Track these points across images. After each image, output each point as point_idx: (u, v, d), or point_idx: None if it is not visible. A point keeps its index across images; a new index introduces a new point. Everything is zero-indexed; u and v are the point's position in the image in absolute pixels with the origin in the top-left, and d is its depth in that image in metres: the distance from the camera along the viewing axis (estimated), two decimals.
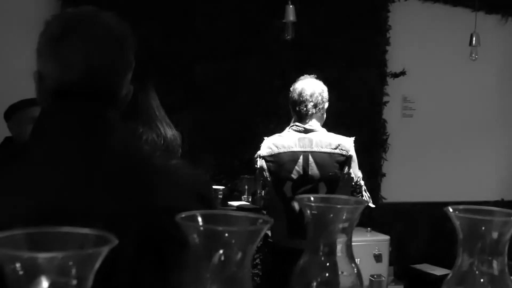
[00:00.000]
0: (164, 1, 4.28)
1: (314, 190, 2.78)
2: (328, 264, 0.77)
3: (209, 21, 4.39)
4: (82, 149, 1.07)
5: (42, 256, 0.45)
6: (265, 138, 2.95)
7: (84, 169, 1.06)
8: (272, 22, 4.21)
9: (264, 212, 4.11)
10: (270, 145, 2.89)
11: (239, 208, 4.07)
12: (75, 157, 1.06)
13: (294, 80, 3.09)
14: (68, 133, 1.09)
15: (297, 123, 2.91)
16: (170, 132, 2.18)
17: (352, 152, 2.86)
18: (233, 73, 4.47)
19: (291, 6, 3.65)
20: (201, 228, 0.60)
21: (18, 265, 0.46)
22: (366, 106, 5.09)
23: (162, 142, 2.10)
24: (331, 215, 0.77)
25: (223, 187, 4.12)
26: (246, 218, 0.63)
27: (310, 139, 2.86)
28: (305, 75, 3.04)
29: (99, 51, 1.13)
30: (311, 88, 2.93)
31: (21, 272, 0.46)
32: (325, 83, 3.04)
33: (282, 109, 3.60)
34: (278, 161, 2.85)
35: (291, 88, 3.00)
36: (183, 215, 0.61)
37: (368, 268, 4.42)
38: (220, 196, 4.08)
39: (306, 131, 2.88)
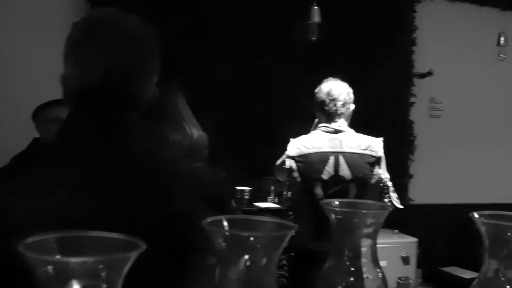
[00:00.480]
0: (185, 1, 4.31)
1: (344, 191, 2.80)
2: (353, 268, 0.77)
3: (231, 21, 4.40)
4: (100, 153, 1.08)
5: (74, 260, 0.46)
6: (292, 139, 2.94)
7: (100, 173, 1.07)
8: (295, 23, 4.20)
9: (290, 213, 4.11)
10: (299, 145, 2.87)
11: (265, 210, 4.08)
12: (92, 161, 1.08)
13: (318, 81, 3.09)
14: (86, 136, 1.10)
15: (326, 124, 2.91)
16: (196, 133, 2.20)
17: (382, 153, 2.86)
18: (256, 74, 4.48)
19: (316, 7, 3.64)
20: (226, 233, 0.61)
21: (50, 268, 0.47)
22: (392, 107, 5.06)
23: (189, 143, 2.12)
24: (356, 220, 0.77)
25: (249, 188, 4.14)
26: (271, 223, 0.64)
27: (340, 140, 2.86)
28: (329, 78, 3.03)
29: (119, 55, 1.14)
30: (338, 88, 2.94)
31: (53, 275, 0.47)
32: (350, 84, 3.03)
33: (306, 110, 3.60)
34: (308, 161, 2.83)
35: (316, 90, 3.00)
36: (209, 220, 0.62)
37: (396, 270, 4.39)
38: (247, 197, 4.10)
39: (336, 131, 2.88)
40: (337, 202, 0.81)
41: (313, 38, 3.68)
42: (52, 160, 1.11)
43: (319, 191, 2.82)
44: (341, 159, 2.81)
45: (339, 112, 2.91)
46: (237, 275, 0.61)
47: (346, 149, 2.83)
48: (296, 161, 2.85)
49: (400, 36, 5.09)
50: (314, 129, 2.98)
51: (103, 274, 0.48)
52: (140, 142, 1.14)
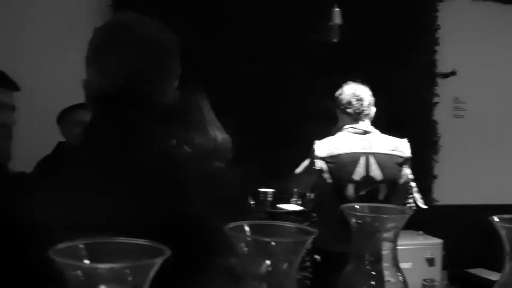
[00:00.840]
0: (206, 3, 4.34)
1: (375, 192, 2.81)
2: (374, 272, 0.78)
3: (252, 23, 4.41)
4: (120, 156, 1.10)
5: (102, 266, 0.48)
6: (317, 141, 2.92)
7: (121, 176, 1.09)
8: (316, 24, 4.21)
9: (314, 215, 4.11)
10: (329, 146, 2.86)
11: (288, 212, 4.09)
12: (113, 164, 1.10)
13: (339, 82, 3.10)
14: (107, 140, 1.13)
15: (353, 125, 2.92)
16: (220, 135, 2.22)
17: (409, 153, 2.89)
18: (278, 75, 4.48)
19: (337, 9, 3.64)
20: (248, 239, 0.63)
21: (79, 273, 0.49)
22: (415, 107, 5.03)
23: (213, 146, 2.14)
24: (377, 224, 0.78)
25: (272, 190, 4.14)
26: (292, 228, 0.65)
27: (369, 141, 2.87)
28: (349, 82, 3.04)
29: (139, 60, 1.16)
30: (362, 89, 2.97)
31: (82, 280, 0.50)
32: (372, 85, 3.06)
33: (328, 111, 3.61)
34: (338, 162, 2.83)
35: (338, 92, 3.01)
36: (231, 226, 0.63)
37: (421, 272, 4.36)
38: (270, 199, 4.10)
39: (365, 132, 2.89)
40: (357, 207, 0.82)
41: (335, 40, 3.68)
42: (75, 164, 1.14)
43: (350, 192, 2.81)
44: (372, 160, 2.82)
45: (365, 112, 2.93)
46: (259, 279, 0.62)
47: (376, 150, 2.84)
48: (327, 162, 2.83)
49: (422, 36, 5.06)
50: (339, 130, 2.98)
51: (130, 279, 0.50)
52: (159, 145, 1.16)
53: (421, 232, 4.72)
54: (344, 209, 0.80)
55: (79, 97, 3.01)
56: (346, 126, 2.94)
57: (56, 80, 3.89)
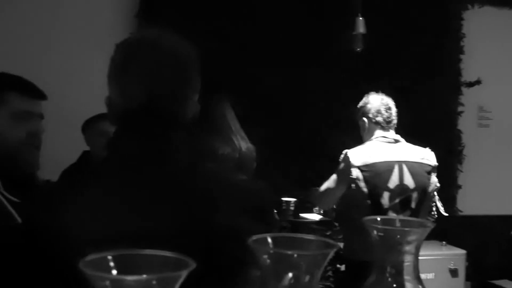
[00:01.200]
0: (230, 13, 4.37)
1: (408, 200, 2.84)
2: (395, 285, 0.79)
3: (276, 32, 4.43)
4: (145, 171, 1.13)
5: (129, 278, 0.50)
6: (347, 150, 2.93)
7: (146, 190, 1.11)
8: (340, 33, 4.21)
9: (336, 224, 4.11)
10: (363, 155, 2.87)
11: (310, 221, 4.09)
12: (138, 178, 1.12)
13: (364, 91, 3.11)
14: (131, 155, 1.15)
15: (383, 134, 2.95)
16: (245, 145, 2.24)
17: (435, 162, 2.94)
18: (302, 85, 4.49)
19: (361, 18, 3.65)
20: (271, 251, 0.64)
21: (107, 284, 0.51)
22: (439, 116, 4.99)
23: (237, 156, 2.15)
24: (398, 237, 0.79)
25: (294, 199, 4.15)
26: (315, 241, 0.67)
27: (400, 149, 2.91)
28: (371, 92, 3.08)
29: (159, 78, 1.18)
30: (387, 98, 3.02)
31: None
32: (396, 93, 3.08)
33: (352, 121, 3.60)
34: (374, 170, 2.84)
35: (363, 101, 3.05)
36: (254, 238, 0.65)
37: (444, 283, 4.32)
38: (292, 208, 4.10)
39: (395, 141, 2.94)
40: (378, 219, 0.83)
41: (358, 49, 3.68)
42: (101, 178, 1.16)
43: (385, 200, 2.83)
44: (405, 168, 2.85)
45: (394, 121, 2.98)
46: None
47: (407, 158, 2.88)
48: (362, 171, 2.84)
49: (447, 45, 5.03)
50: (368, 139, 3.00)
51: None
52: (184, 157, 1.18)
53: (444, 242, 4.68)
54: (366, 221, 0.80)
55: (104, 107, 3.06)
56: (376, 135, 2.96)
57: (81, 90, 3.95)
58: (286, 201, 4.10)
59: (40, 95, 1.71)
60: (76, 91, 3.97)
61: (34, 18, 4.04)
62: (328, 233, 4.15)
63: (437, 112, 4.97)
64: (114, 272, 0.54)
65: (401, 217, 0.83)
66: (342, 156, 2.96)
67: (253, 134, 2.44)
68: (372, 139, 2.96)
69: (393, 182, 2.83)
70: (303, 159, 4.52)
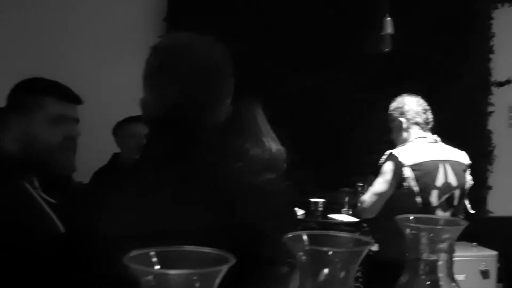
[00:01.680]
0: (257, 17, 4.38)
1: (451, 198, 2.94)
2: (428, 283, 0.79)
3: (303, 34, 4.43)
4: (176, 172, 1.16)
5: (172, 272, 0.52)
6: (391, 151, 2.99)
7: (177, 191, 1.14)
8: (368, 34, 4.20)
9: (365, 225, 4.09)
10: (411, 154, 2.93)
11: (339, 222, 4.08)
12: (169, 180, 1.15)
13: (392, 92, 3.13)
14: (163, 157, 1.19)
15: (424, 134, 3.02)
16: (275, 146, 2.27)
17: (469, 161, 3.05)
18: (330, 86, 4.49)
19: (388, 18, 3.63)
20: (307, 248, 0.66)
21: (151, 278, 0.53)
22: (469, 116, 4.94)
23: (268, 157, 2.18)
24: (431, 235, 0.79)
25: (323, 200, 4.14)
26: (350, 239, 0.68)
27: (440, 149, 3.00)
28: (403, 94, 3.12)
29: (192, 81, 1.21)
30: (421, 100, 3.09)
31: (153, 285, 0.54)
32: (426, 94, 3.12)
33: (379, 122, 3.59)
34: (423, 169, 2.91)
35: (400, 103, 3.09)
36: (290, 235, 0.66)
37: (474, 284, 4.27)
38: (320, 209, 4.10)
39: (435, 141, 3.02)
40: (411, 217, 0.84)
41: (386, 50, 3.67)
42: (134, 179, 1.19)
43: (433, 198, 2.90)
44: (448, 167, 2.94)
45: (432, 122, 3.06)
46: None
47: (448, 157, 2.97)
48: (413, 170, 2.90)
49: (476, 44, 4.97)
50: (406, 140, 3.04)
51: (197, 285, 0.53)
52: (214, 159, 1.20)
53: (475, 243, 4.62)
54: (399, 220, 0.81)
55: (134, 110, 3.09)
56: (416, 136, 3.02)
57: (111, 92, 4.01)
58: (314, 202, 4.10)
59: (76, 100, 1.75)
60: (106, 94, 4.03)
61: (65, 24, 4.12)
62: (357, 234, 4.14)
63: (467, 113, 4.92)
64: (157, 267, 0.56)
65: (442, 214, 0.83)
66: (385, 157, 3.02)
67: (282, 136, 2.46)
68: (412, 140, 3.01)
69: (440, 180, 2.90)
70: (331, 160, 4.51)
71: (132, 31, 4.20)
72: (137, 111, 3.28)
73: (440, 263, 0.80)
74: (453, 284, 0.81)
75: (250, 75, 3.60)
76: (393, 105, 3.11)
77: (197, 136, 1.19)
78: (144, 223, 1.08)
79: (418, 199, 2.89)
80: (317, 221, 4.04)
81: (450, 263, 0.82)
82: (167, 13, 4.30)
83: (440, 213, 2.88)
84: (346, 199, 4.22)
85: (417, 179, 2.89)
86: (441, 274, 0.80)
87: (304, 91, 4.39)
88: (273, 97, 4.15)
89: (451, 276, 0.82)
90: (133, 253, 0.55)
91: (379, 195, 2.99)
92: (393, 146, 3.12)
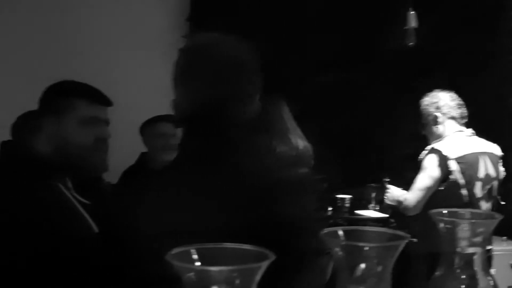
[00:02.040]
0: (280, 15, 4.38)
1: (491, 189, 3.00)
2: (463, 277, 0.79)
3: (327, 30, 4.42)
4: (210, 170, 1.18)
5: (213, 269, 0.53)
6: (433, 145, 3.01)
7: (212, 188, 1.17)
8: (389, 29, 4.16)
9: (392, 220, 4.07)
10: (454, 148, 2.96)
11: (366, 218, 4.07)
12: (204, 177, 1.17)
13: (417, 88, 3.13)
14: (197, 155, 1.21)
15: (460, 128, 3.05)
16: (302, 143, 2.27)
17: (501, 152, 3.11)
18: (352, 82, 4.47)
19: (412, 12, 3.60)
20: (343, 243, 0.66)
21: (192, 275, 0.55)
22: (496, 111, 4.87)
23: (295, 154, 2.19)
24: (466, 229, 0.79)
25: (349, 196, 4.13)
26: (386, 234, 0.68)
27: (477, 142, 3.05)
28: (436, 89, 3.15)
29: (221, 82, 1.24)
30: (455, 95, 3.12)
31: (194, 281, 0.55)
32: (450, 88, 3.14)
33: (405, 118, 3.57)
34: (466, 162, 2.95)
35: (434, 97, 3.11)
36: (326, 231, 0.67)
37: (505, 279, 4.19)
38: (347, 205, 4.09)
39: (472, 134, 3.07)
40: (445, 212, 0.84)
41: (411, 44, 3.64)
42: (170, 179, 1.22)
43: (478, 190, 2.94)
44: (487, 159, 2.99)
45: (466, 116, 3.10)
46: (354, 283, 0.65)
47: (485, 149, 3.03)
48: (458, 163, 2.93)
49: (501, 36, 4.89)
50: (442, 134, 3.06)
51: (238, 281, 0.54)
52: (246, 156, 1.22)
53: (505, 237, 4.56)
54: (433, 214, 0.81)
55: (161, 110, 3.12)
56: (454, 130, 3.05)
57: (137, 91, 4.04)
58: (341, 198, 4.09)
59: (106, 102, 1.78)
60: (131, 94, 4.06)
61: (90, 25, 4.16)
62: None
63: (493, 107, 4.86)
64: (198, 264, 0.57)
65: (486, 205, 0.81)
66: (426, 152, 3.04)
67: (308, 133, 2.46)
68: (450, 134, 3.03)
69: (482, 172, 2.95)
70: (357, 156, 4.50)
71: (155, 31, 4.23)
72: (163, 111, 3.31)
73: (475, 257, 0.80)
74: (488, 278, 0.81)
75: (276, 73, 3.60)
76: (427, 100, 3.13)
77: (229, 134, 1.22)
78: (181, 221, 1.10)
79: (464, 192, 2.92)
80: (344, 218, 4.03)
81: (485, 256, 0.82)
82: (190, 13, 4.32)
83: (483, 204, 2.94)
84: (373, 194, 4.21)
85: (462, 171, 2.93)
86: (477, 268, 0.80)
87: (329, 88, 4.38)
88: (299, 94, 4.16)
89: (486, 270, 0.81)
90: (174, 250, 0.56)
91: (425, 190, 2.99)
92: (423, 141, 3.13)
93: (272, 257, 0.55)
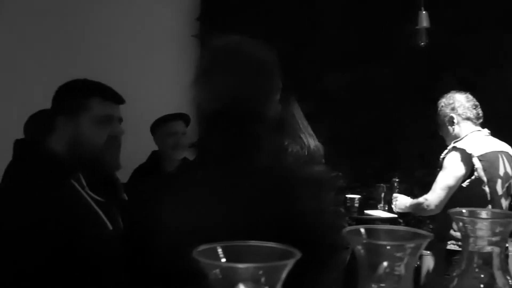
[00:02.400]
0: (291, 14, 4.38)
1: (509, 187, 3.05)
2: (482, 276, 0.80)
3: (339, 30, 4.42)
4: (232, 167, 1.20)
5: (240, 266, 0.54)
6: (455, 144, 3.03)
7: (232, 187, 1.19)
8: (402, 28, 4.15)
9: (401, 221, 4.07)
10: (475, 146, 3.00)
11: (376, 218, 4.06)
12: (226, 174, 1.19)
13: (430, 87, 3.13)
14: (218, 152, 1.23)
15: (477, 128, 3.10)
16: (313, 143, 2.28)
17: None
18: (364, 81, 4.47)
19: (424, 12, 3.59)
20: (364, 241, 0.67)
21: (218, 272, 0.55)
22: (509, 108, 4.84)
23: (306, 153, 2.20)
24: (484, 229, 0.80)
25: (359, 196, 4.13)
26: (408, 232, 0.69)
27: (495, 141, 3.09)
28: (452, 91, 3.19)
29: (243, 81, 1.27)
30: (470, 96, 3.17)
31: (220, 278, 0.55)
32: (463, 87, 3.21)
33: (417, 117, 3.56)
34: (488, 160, 2.98)
35: (450, 99, 3.14)
36: (349, 229, 0.68)
37: None
38: (356, 205, 4.09)
39: (489, 134, 3.11)
40: (464, 211, 0.84)
41: (422, 44, 3.64)
42: (193, 176, 1.24)
43: (499, 187, 2.98)
44: (505, 158, 3.03)
45: (482, 117, 3.14)
46: (376, 281, 0.66)
47: (502, 148, 3.06)
48: (480, 160, 2.97)
49: None
50: (458, 134, 3.09)
51: (263, 279, 0.55)
52: (267, 154, 1.24)
53: None
54: (452, 213, 0.82)
55: (172, 108, 3.12)
56: (471, 130, 3.09)
57: (148, 89, 4.05)
58: (351, 198, 4.09)
59: (119, 100, 1.78)
60: (142, 93, 4.08)
61: (99, 24, 4.17)
62: None
63: (507, 104, 4.82)
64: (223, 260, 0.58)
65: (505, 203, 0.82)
66: (447, 151, 3.06)
67: (318, 132, 2.47)
68: (468, 134, 3.07)
69: (501, 170, 2.99)
70: (367, 156, 4.49)
71: (166, 30, 4.24)
72: (174, 109, 3.31)
73: (494, 256, 0.81)
74: (508, 277, 0.81)
75: (289, 72, 3.60)
76: (443, 101, 3.17)
77: (252, 132, 1.24)
78: (203, 219, 1.12)
79: (486, 189, 2.96)
80: (353, 217, 4.03)
81: (503, 255, 0.82)
82: (201, 12, 4.33)
83: (503, 202, 2.99)
84: (382, 194, 4.20)
85: (484, 169, 2.96)
86: (495, 267, 0.80)
87: (343, 87, 4.38)
88: (312, 93, 4.17)
89: (504, 269, 0.82)
90: (201, 247, 0.57)
91: (448, 189, 3.01)
92: (433, 140, 3.15)
93: (298, 255, 0.56)
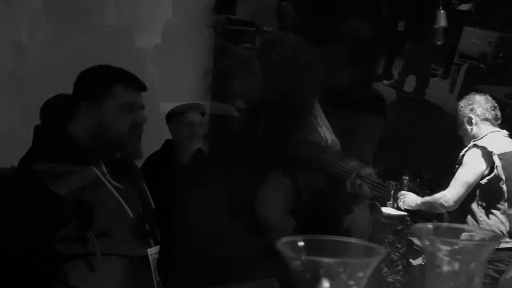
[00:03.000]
0: (307, 11, 4.36)
1: None
2: None
3: (354, 27, 4.40)
4: (264, 160, 1.20)
5: (324, 260, 0.53)
6: (476, 142, 3.06)
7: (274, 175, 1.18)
8: (421, 27, 4.14)
9: (408, 219, 4.06)
10: (495, 145, 3.02)
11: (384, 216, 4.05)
12: (266, 164, 1.19)
13: (447, 86, 3.12)
14: (251, 147, 1.22)
15: (496, 129, 3.11)
16: (330, 137, 2.27)
17: None
18: (378, 79, 4.45)
19: (442, 11, 3.59)
20: (430, 237, 0.65)
21: (299, 264, 0.54)
22: None
23: (324, 145, 2.19)
24: None
25: None
26: (475, 234, 0.67)
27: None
28: (472, 92, 3.23)
29: (291, 75, 1.26)
30: (490, 97, 3.19)
31: (301, 270, 0.54)
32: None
33: (428, 117, 3.55)
34: (508, 159, 3.00)
35: (470, 100, 3.16)
36: (416, 226, 0.66)
37: None
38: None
39: (508, 135, 3.11)
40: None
41: (439, 43, 3.64)
42: (235, 163, 1.24)
43: None
44: None
45: (500, 118, 3.16)
46: (444, 280, 0.64)
47: None
48: (500, 159, 2.99)
49: None
50: (477, 134, 3.11)
51: (344, 275, 0.53)
52: (305, 144, 1.25)
53: None
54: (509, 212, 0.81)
55: (185, 97, 3.09)
56: (490, 130, 3.10)
57: (163, 80, 4.03)
58: None
59: (142, 87, 1.76)
60: (157, 83, 4.06)
61: (115, 14, 4.15)
62: (399, 228, 4.11)
63: None
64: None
65: None
66: (467, 148, 3.08)
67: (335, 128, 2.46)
68: (487, 134, 3.08)
69: None
70: (375, 154, 4.47)
71: (181, 21, 4.21)
72: (188, 99, 3.29)
73: None
74: None
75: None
76: (463, 102, 3.21)
77: (292, 123, 1.25)
78: (244, 205, 1.12)
79: (504, 187, 2.98)
80: None
81: None
82: (215, 3, 4.30)
83: None
84: (392, 192, 4.18)
85: (504, 167, 2.98)
86: None
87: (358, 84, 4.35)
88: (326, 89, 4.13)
89: None
90: (284, 239, 0.55)
91: (467, 185, 3.04)
92: (444, 139, 3.16)
93: (384, 252, 0.54)
